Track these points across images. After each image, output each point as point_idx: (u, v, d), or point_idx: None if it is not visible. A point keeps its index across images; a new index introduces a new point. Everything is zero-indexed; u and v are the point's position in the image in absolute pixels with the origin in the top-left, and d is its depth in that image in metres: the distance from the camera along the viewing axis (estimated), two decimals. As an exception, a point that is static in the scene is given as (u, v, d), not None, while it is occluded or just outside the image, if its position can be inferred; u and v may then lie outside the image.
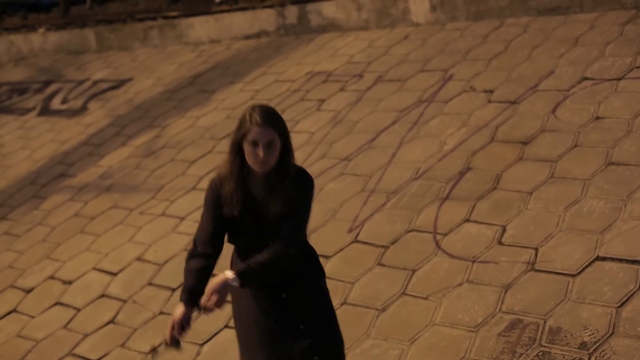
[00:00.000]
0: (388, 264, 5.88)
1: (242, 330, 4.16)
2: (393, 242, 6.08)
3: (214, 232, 3.89)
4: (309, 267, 4.12)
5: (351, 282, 5.77)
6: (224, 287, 3.67)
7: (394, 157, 7.28)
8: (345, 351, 4.27)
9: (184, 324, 3.71)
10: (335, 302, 5.09)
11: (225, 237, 3.99)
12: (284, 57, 10.90)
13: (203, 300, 3.67)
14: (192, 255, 3.89)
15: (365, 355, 5.03)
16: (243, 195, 3.82)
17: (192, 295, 3.75)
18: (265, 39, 11.96)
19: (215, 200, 3.87)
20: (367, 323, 5.32)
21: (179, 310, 3.71)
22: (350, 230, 6.38)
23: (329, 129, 8.22)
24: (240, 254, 3.99)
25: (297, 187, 3.86)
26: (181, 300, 3.75)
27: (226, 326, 5.74)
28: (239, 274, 3.70)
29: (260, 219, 3.85)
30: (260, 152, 3.68)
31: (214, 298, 3.64)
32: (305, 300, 4.06)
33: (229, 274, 3.69)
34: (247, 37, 12.20)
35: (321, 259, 4.32)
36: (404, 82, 8.80)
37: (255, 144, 3.68)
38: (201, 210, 6.83)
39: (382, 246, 6.07)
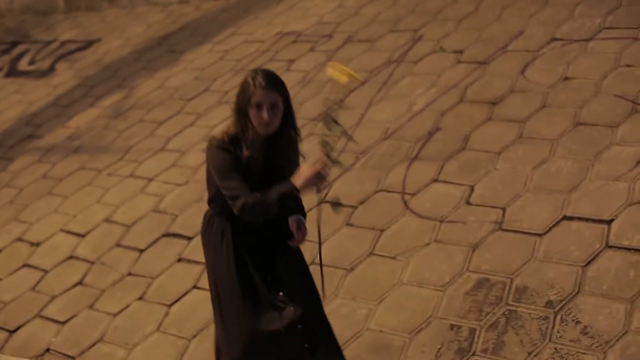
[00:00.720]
0: (356, 224, 5.88)
1: (222, 292, 4.13)
2: (361, 202, 6.08)
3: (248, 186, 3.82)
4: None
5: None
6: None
7: (363, 117, 7.26)
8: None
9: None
10: (304, 263, 5.09)
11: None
12: (254, 18, 10.82)
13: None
14: (247, 198, 3.75)
15: (334, 315, 5.03)
16: (255, 156, 3.85)
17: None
18: (234, 0, 11.86)
19: (238, 161, 3.82)
20: (335, 283, 5.33)
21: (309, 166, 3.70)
22: (318, 191, 6.35)
23: (298, 90, 8.18)
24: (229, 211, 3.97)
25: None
26: (287, 187, 3.69)
27: (195, 287, 5.74)
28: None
29: (270, 178, 3.85)
30: (265, 114, 3.74)
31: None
32: (287, 263, 4.12)
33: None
34: (217, -3, 12.10)
35: (289, 219, 4.32)
36: (373, 43, 8.76)
37: (259, 106, 3.75)
38: (169, 171, 6.72)
39: (351, 206, 6.07)
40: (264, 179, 3.84)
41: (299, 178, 3.65)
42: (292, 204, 3.92)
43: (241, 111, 3.82)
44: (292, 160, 4.01)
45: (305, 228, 4.00)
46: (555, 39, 7.52)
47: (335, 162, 3.81)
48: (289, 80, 8.44)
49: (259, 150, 3.86)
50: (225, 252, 4.06)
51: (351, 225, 5.88)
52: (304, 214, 4.09)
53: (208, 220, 4.18)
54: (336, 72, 3.91)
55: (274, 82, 3.80)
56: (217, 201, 4.05)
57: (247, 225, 3.96)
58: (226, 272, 4.08)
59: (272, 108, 3.76)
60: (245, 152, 3.83)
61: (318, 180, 3.67)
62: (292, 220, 3.99)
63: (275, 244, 4.09)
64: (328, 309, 5.03)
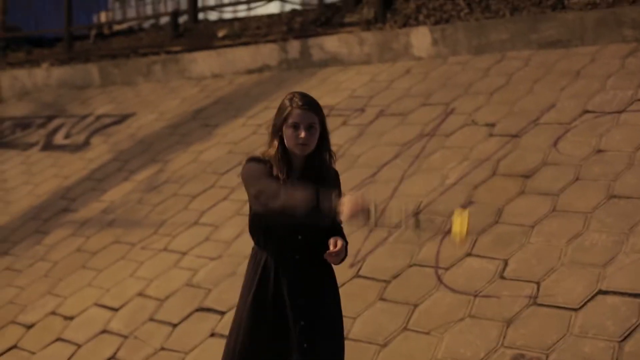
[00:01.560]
0: (390, 298, 5.86)
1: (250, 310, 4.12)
2: (395, 277, 6.07)
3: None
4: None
5: (353, 317, 5.74)
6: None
7: (395, 191, 7.27)
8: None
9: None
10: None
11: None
12: (286, 92, 10.80)
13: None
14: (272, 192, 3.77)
15: (367, 391, 5.01)
16: (292, 177, 3.89)
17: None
18: (267, 74, 11.99)
19: (270, 172, 3.89)
20: (369, 359, 5.30)
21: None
22: (352, 265, 6.36)
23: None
24: (268, 239, 4.04)
25: (337, 180, 4.08)
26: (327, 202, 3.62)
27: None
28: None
29: None
30: (302, 134, 3.80)
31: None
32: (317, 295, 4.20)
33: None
34: (250, 71, 12.24)
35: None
36: (405, 116, 8.81)
37: (296, 126, 3.81)
38: (203, 245, 6.75)
39: (384, 281, 6.06)
40: None
41: (344, 204, 3.57)
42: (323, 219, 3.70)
43: (278, 132, 3.90)
44: (327, 184, 3.96)
45: (343, 245, 3.89)
46: (587, 112, 7.52)
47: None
48: (322, 153, 8.51)
49: (295, 174, 3.90)
50: (260, 285, 4.05)
51: (384, 300, 5.86)
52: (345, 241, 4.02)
53: (251, 255, 4.19)
54: (458, 224, 3.83)
55: (311, 103, 3.89)
56: (253, 230, 4.10)
57: (287, 258, 3.99)
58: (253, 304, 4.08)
59: (308, 128, 3.81)
60: (278, 174, 3.85)
61: (362, 212, 3.58)
62: (332, 238, 3.90)
63: (315, 281, 4.13)
64: (362, 385, 5.03)
